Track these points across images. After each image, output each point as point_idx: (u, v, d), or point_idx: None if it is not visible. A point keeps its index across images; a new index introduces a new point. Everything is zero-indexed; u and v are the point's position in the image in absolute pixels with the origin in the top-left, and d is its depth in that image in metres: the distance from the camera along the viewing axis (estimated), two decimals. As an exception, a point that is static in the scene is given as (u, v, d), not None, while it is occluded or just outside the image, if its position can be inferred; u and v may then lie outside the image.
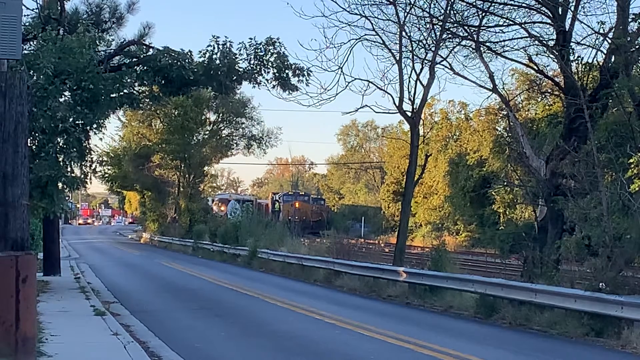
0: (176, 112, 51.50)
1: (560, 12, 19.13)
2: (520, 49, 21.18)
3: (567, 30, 18.94)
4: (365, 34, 23.24)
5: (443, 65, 23.11)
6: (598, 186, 15.63)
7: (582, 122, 17.62)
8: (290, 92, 20.80)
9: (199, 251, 42.31)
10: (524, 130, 21.18)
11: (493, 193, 45.59)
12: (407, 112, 23.45)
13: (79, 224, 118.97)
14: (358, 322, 14.48)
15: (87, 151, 17.60)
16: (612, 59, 18.21)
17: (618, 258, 13.91)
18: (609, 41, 18.25)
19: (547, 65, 22.86)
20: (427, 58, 23.03)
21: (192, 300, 19.24)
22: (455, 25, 21.57)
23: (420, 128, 25.67)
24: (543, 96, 30.15)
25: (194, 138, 54.77)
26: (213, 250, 40.02)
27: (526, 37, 20.65)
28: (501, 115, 35.89)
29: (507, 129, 30.03)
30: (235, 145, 59.00)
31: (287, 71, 20.20)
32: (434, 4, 21.77)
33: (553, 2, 18.79)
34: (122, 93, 18.67)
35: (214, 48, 19.75)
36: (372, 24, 23.00)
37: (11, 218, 7.72)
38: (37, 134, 16.09)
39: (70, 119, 16.64)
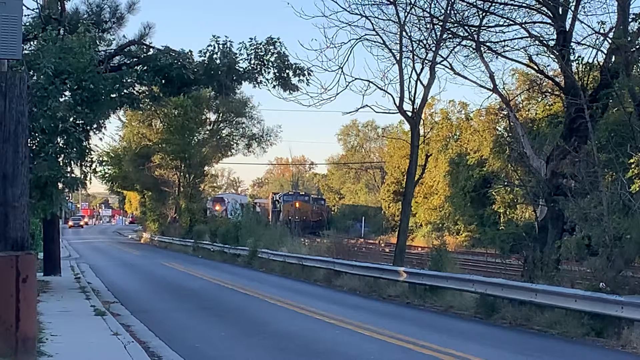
0: (176, 112, 51.53)
1: (560, 12, 19.15)
2: (521, 49, 21.22)
3: (567, 30, 18.95)
4: (366, 34, 23.28)
5: (443, 65, 23.16)
6: (598, 186, 15.63)
7: (583, 122, 17.63)
8: (291, 92, 20.82)
9: (199, 251, 42.31)
10: (524, 130, 21.18)
11: (493, 193, 45.58)
12: (408, 112, 23.46)
13: (70, 226, 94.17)
14: (358, 322, 14.46)
15: (87, 151, 17.63)
16: (613, 59, 18.23)
17: (618, 258, 13.92)
18: (610, 41, 18.28)
19: (548, 65, 22.91)
20: (427, 58, 23.06)
21: (192, 300, 19.24)
22: (455, 25, 21.57)
23: (421, 128, 25.67)
24: (543, 96, 30.12)
25: (194, 138, 54.81)
26: (213, 250, 40.02)
27: (526, 37, 20.67)
28: (501, 115, 35.80)
29: (508, 129, 29.99)
30: (235, 145, 59.13)
31: (287, 71, 20.21)
32: (434, 4, 21.80)
33: (553, 2, 18.80)
34: (122, 93, 18.70)
35: (214, 48, 19.76)
36: (372, 24, 23.04)
37: (11, 218, 7.72)
38: (37, 134, 16.09)
39: (71, 119, 16.66)
